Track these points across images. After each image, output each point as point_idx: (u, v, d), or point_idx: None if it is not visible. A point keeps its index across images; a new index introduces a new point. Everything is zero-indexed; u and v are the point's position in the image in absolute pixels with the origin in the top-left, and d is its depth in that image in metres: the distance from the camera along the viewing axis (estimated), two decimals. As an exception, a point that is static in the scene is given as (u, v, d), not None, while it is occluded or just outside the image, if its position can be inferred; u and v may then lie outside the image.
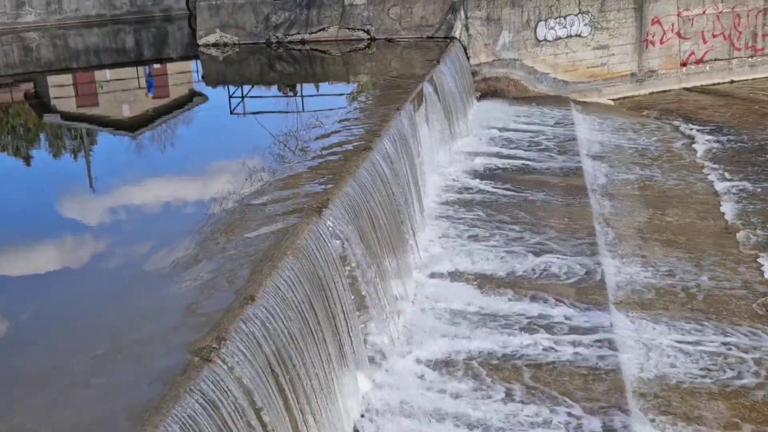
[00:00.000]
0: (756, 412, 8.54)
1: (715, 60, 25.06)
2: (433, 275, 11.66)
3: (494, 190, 15.14)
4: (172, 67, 23.36)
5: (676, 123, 20.89)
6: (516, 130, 19.23)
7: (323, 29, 22.91)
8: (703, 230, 13.64)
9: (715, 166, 17.04)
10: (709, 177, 16.38)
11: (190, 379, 5.77)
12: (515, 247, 12.51)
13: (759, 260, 12.24)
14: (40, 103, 19.38)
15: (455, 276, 11.59)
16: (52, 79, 21.92)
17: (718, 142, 18.86)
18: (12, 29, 27.13)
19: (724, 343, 9.83)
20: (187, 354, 6.06)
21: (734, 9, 24.76)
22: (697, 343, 9.85)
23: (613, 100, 23.58)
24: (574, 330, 10.04)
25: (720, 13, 24.67)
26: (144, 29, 28.17)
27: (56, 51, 25.73)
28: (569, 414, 8.35)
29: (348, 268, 9.16)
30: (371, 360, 9.21)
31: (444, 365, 9.32)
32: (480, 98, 21.92)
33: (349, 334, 8.66)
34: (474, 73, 22.06)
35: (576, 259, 12.02)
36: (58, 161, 14.17)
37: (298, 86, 19.41)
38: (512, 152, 17.54)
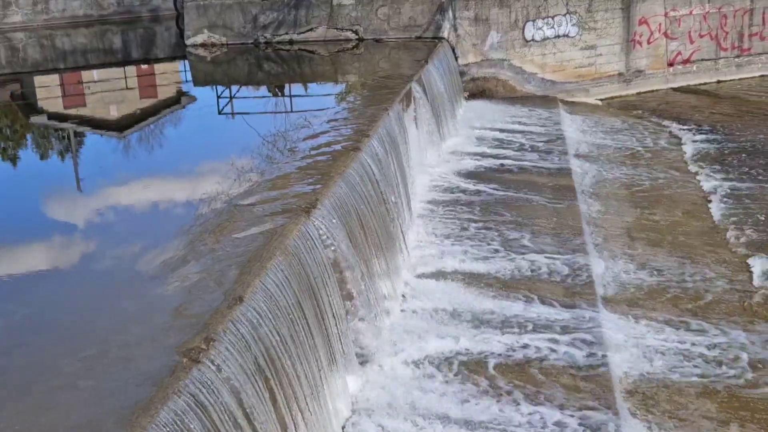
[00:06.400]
0: (744, 411, 8.58)
1: (702, 60, 25.18)
2: (421, 275, 11.66)
3: (483, 189, 15.16)
4: (159, 68, 23.28)
5: (663, 123, 20.97)
6: (504, 130, 19.26)
7: (311, 29, 22.89)
8: (691, 230, 13.70)
9: (703, 165, 17.11)
10: (697, 177, 16.45)
11: (179, 380, 5.76)
12: (504, 246, 12.53)
13: (746, 259, 12.30)
14: (26, 103, 19.29)
15: (444, 275, 11.60)
16: (38, 80, 21.83)
17: (706, 142, 18.94)
18: (-2, 29, 27.01)
19: (712, 342, 9.87)
20: (175, 355, 6.04)
21: (721, 9, 24.88)
22: (685, 341, 9.89)
23: (600, 100, 23.66)
24: (562, 329, 10.06)
25: (707, 13, 24.79)
26: (131, 30, 28.07)
27: (43, 51, 25.60)
28: (558, 413, 8.36)
29: (336, 267, 9.15)
30: (360, 360, 9.21)
31: (433, 365, 9.31)
32: (468, 98, 21.94)
33: (338, 334, 8.65)
34: (462, 74, 22.08)
35: (564, 259, 12.05)
36: (45, 162, 14.11)
37: (287, 86, 19.39)
38: (500, 152, 17.57)
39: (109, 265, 8.52)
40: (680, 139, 19.37)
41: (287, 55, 22.32)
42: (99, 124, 16.54)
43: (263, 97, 18.69)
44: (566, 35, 23.19)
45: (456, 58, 21.86)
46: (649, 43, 24.32)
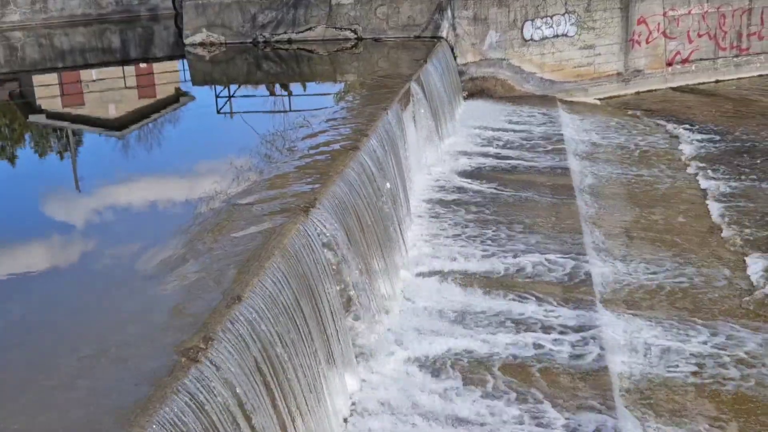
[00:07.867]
0: (742, 410, 8.59)
1: (701, 60, 25.19)
2: (420, 274, 11.67)
3: (481, 189, 15.16)
4: (158, 67, 23.28)
5: (662, 122, 20.98)
6: (503, 130, 19.26)
7: (310, 29, 22.89)
8: (689, 229, 13.71)
9: (702, 165, 17.11)
10: (696, 176, 16.46)
11: (177, 379, 5.76)
12: (502, 246, 12.53)
13: (745, 259, 12.31)
14: (25, 102, 19.28)
15: (442, 275, 11.60)
16: (37, 79, 21.83)
17: (704, 141, 18.95)
18: (-4, 29, 27.00)
19: (710, 342, 9.88)
20: (174, 355, 6.04)
21: (719, 9, 24.89)
22: (683, 341, 9.89)
23: (599, 99, 23.66)
24: (561, 329, 10.06)
25: (705, 12, 24.80)
26: (130, 29, 28.07)
27: (42, 50, 25.59)
28: (556, 412, 8.37)
29: (335, 267, 9.15)
30: (359, 359, 9.21)
31: (431, 364, 9.32)
32: (467, 98, 21.95)
33: (337, 334, 8.65)
34: (461, 73, 22.08)
35: (563, 258, 12.05)
36: (44, 161, 14.10)
37: (286, 86, 19.37)
38: (499, 151, 17.57)
39: (108, 265, 8.52)
40: (679, 138, 19.38)
41: (286, 55, 22.32)
42: (98, 123, 16.54)
43: (262, 96, 18.69)
44: (565, 35, 23.20)
45: (455, 58, 21.87)
46: (647, 42, 24.33)
